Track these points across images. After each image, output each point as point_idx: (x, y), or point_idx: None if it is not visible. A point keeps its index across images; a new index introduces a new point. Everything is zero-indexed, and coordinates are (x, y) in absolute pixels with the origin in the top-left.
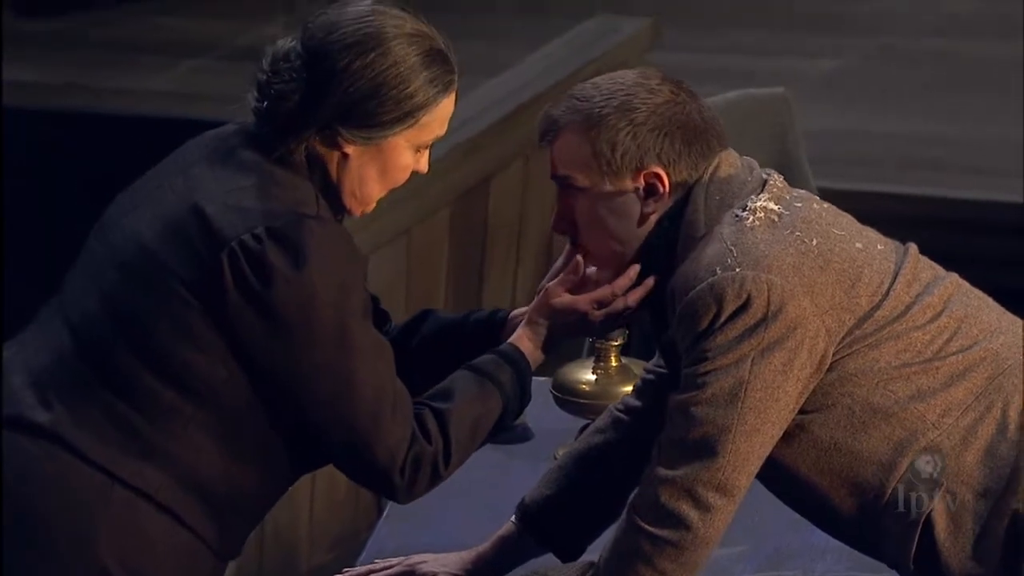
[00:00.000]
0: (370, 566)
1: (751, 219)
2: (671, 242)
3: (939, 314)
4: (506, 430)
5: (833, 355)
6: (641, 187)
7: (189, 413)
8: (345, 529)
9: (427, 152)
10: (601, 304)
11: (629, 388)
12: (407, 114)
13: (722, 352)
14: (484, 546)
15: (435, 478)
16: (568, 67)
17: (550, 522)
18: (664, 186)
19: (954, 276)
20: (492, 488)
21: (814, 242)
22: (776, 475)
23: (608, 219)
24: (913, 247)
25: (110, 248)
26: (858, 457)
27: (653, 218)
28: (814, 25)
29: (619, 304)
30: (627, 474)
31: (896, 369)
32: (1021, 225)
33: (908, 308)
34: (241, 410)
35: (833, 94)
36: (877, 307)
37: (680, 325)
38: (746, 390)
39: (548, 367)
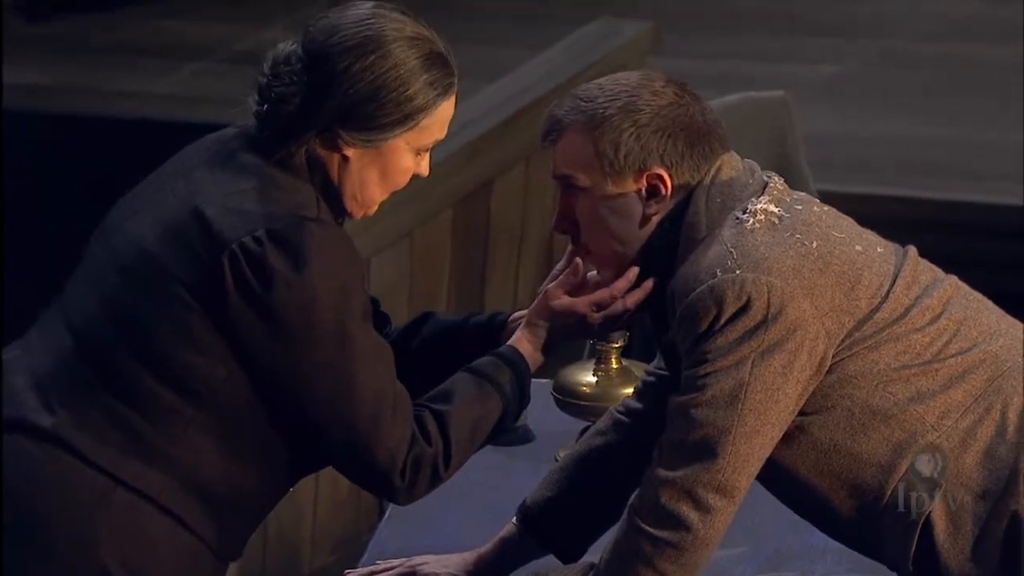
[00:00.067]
0: (372, 567)
1: (751, 221)
2: (672, 244)
3: (938, 316)
4: (506, 432)
5: (833, 357)
6: (643, 188)
7: (190, 415)
8: (347, 531)
9: (428, 155)
10: (600, 306)
11: (630, 390)
12: (407, 117)
13: (722, 354)
14: (485, 547)
15: (435, 480)
16: (569, 71)
17: (551, 523)
18: (666, 188)
19: (953, 279)
20: (493, 490)
21: (814, 245)
22: (776, 476)
23: (610, 219)
24: (913, 250)
25: (111, 252)
26: (857, 459)
27: (655, 219)
28: (814, 30)
29: (618, 306)
30: (628, 476)
31: (895, 371)
32: (1021, 228)
33: (907, 310)
34: (241, 411)
35: (833, 98)
36: (876, 309)
37: (680, 327)
38: (746, 392)
39: (549, 369)
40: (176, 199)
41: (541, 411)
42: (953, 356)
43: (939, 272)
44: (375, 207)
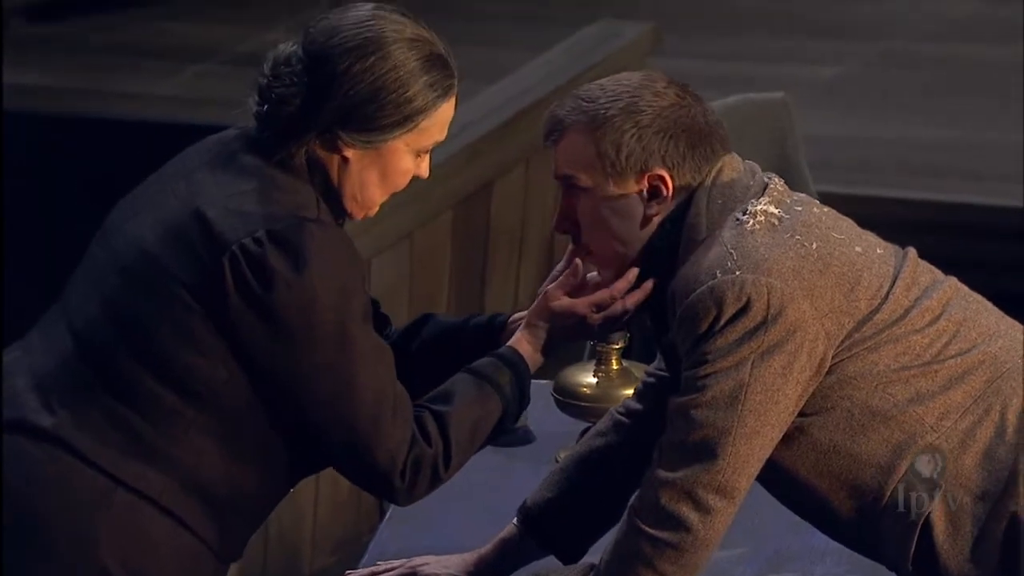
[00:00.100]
0: (372, 568)
1: (751, 223)
2: (673, 245)
3: (938, 318)
4: (505, 433)
5: (832, 358)
6: (645, 189)
7: (191, 416)
8: (348, 532)
9: (428, 157)
10: (600, 307)
11: (630, 391)
12: (406, 118)
13: (722, 355)
14: (486, 548)
15: (435, 480)
16: (569, 72)
17: (551, 524)
18: (667, 189)
19: (953, 280)
20: (494, 491)
21: (814, 246)
22: (776, 477)
23: (611, 220)
24: (912, 251)
25: (112, 254)
26: (857, 459)
27: (656, 220)
28: (814, 31)
29: (617, 307)
30: (628, 477)
31: (895, 372)
32: (1021, 229)
33: (907, 312)
34: (242, 412)
35: (834, 100)
36: (876, 311)
37: (680, 328)
38: (746, 393)
39: (549, 370)
40: (177, 200)
41: (541, 412)
42: (952, 357)
43: (939, 273)
44: (376, 208)
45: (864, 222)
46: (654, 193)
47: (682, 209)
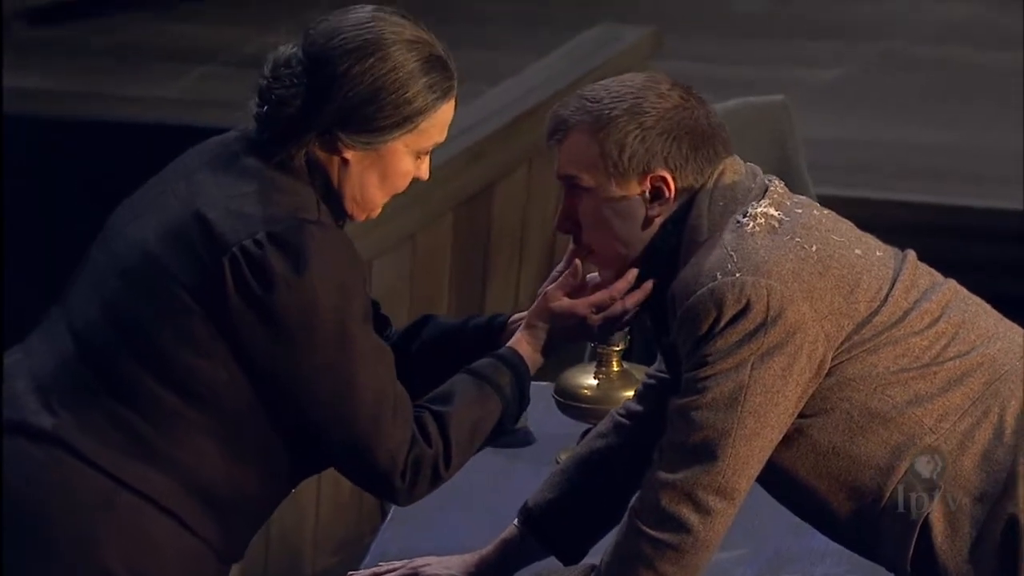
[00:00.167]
0: (374, 569)
1: (751, 225)
2: (674, 246)
3: (937, 320)
4: (505, 434)
5: (832, 360)
6: (647, 190)
7: (192, 417)
8: (349, 532)
9: (427, 158)
10: (600, 308)
11: (631, 393)
12: (406, 119)
13: (722, 356)
14: (487, 549)
15: (435, 480)
16: (570, 75)
17: (552, 525)
18: (670, 190)
19: (952, 282)
20: (495, 492)
21: (813, 248)
22: (775, 479)
23: (613, 220)
24: (912, 254)
25: (113, 256)
26: (856, 461)
27: (658, 221)
28: (814, 33)
29: (617, 308)
30: (629, 478)
31: (894, 374)
32: (1021, 232)
33: (906, 314)
34: (242, 413)
35: (833, 102)
36: (875, 313)
37: (681, 329)
38: (746, 394)
39: (550, 372)
40: (178, 202)
41: (542, 414)
42: (951, 359)
43: (938, 276)
44: (377, 210)
45: (864, 224)
46: (656, 194)
47: (684, 211)
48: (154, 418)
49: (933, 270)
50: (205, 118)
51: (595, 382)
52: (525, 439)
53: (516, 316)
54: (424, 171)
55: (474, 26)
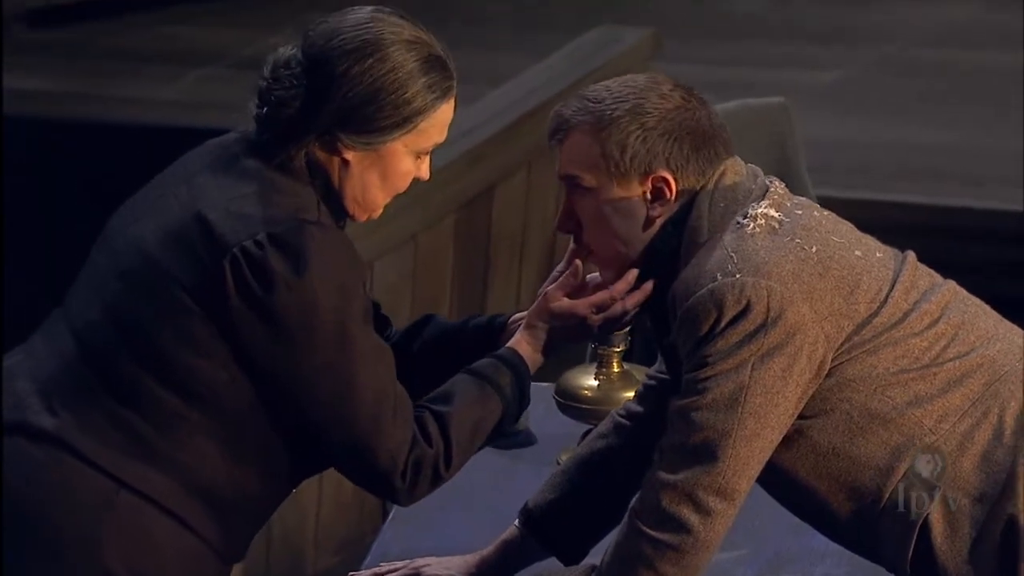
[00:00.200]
0: (375, 569)
1: (752, 226)
2: (674, 247)
3: (936, 321)
4: (505, 435)
5: (832, 361)
6: (648, 191)
7: (194, 418)
8: (351, 532)
9: (428, 158)
10: (600, 308)
11: (631, 394)
12: (405, 119)
13: (722, 357)
14: (488, 550)
15: (436, 480)
16: (570, 77)
17: (553, 526)
18: (671, 191)
19: (951, 283)
20: (496, 492)
21: (813, 249)
22: (776, 479)
23: (614, 220)
24: (911, 255)
25: (113, 257)
26: (856, 462)
27: (658, 222)
28: (814, 36)
29: (617, 308)
30: (629, 479)
31: (894, 375)
32: (1020, 234)
33: (906, 315)
34: (243, 413)
35: (833, 104)
36: (875, 314)
37: (681, 330)
38: (746, 395)
39: (551, 373)
40: (178, 204)
41: (543, 414)
42: (951, 360)
43: (937, 277)
44: (379, 211)
45: (863, 226)
46: (657, 195)
47: (684, 211)
48: (155, 418)
49: (933, 271)
50: (204, 120)
51: (596, 383)
52: (526, 440)
53: (516, 316)
54: (425, 171)
55: (474, 28)
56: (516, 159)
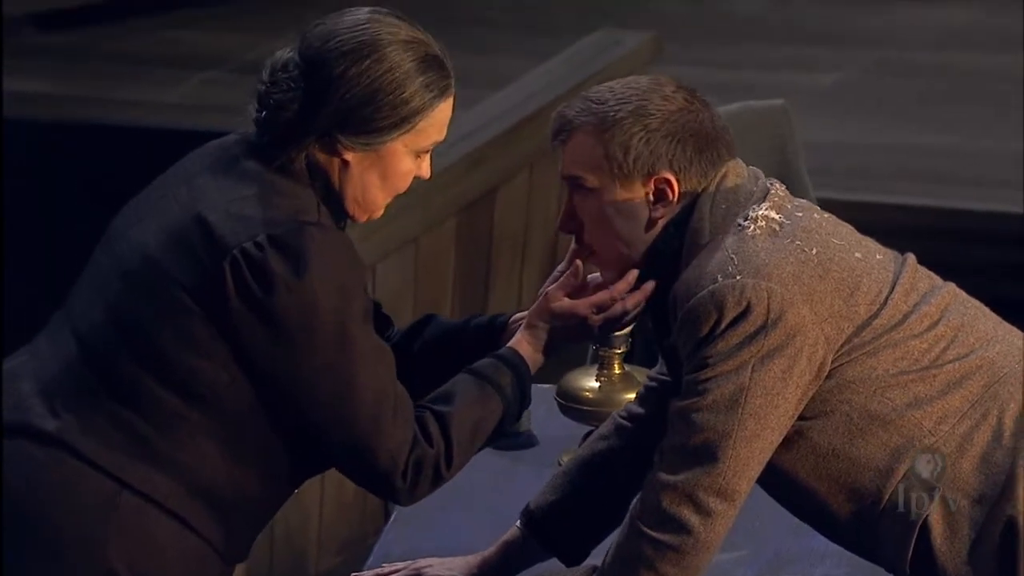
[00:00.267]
0: (377, 570)
1: (752, 228)
2: (676, 248)
3: (936, 323)
4: (507, 435)
5: (832, 362)
6: (651, 192)
7: (194, 419)
8: (353, 533)
9: (428, 157)
10: (600, 308)
11: (632, 395)
12: (404, 119)
13: (723, 359)
14: (489, 551)
15: (437, 480)
16: (570, 81)
17: (554, 527)
18: (673, 192)
19: (951, 286)
20: (497, 494)
21: (814, 251)
22: (776, 480)
23: (616, 221)
24: (911, 257)
25: (115, 259)
26: (856, 463)
27: (660, 223)
28: (814, 38)
29: (618, 308)
30: (630, 480)
31: (893, 377)
32: (1021, 235)
33: (906, 317)
34: (244, 414)
35: (833, 107)
36: (875, 316)
37: (681, 331)
38: (746, 396)
39: (552, 374)
40: (179, 206)
41: (544, 416)
42: (950, 362)
43: (937, 279)
44: (380, 211)
45: (863, 228)
46: (660, 196)
47: (686, 213)
48: (155, 419)
49: (932, 273)
50: (207, 123)
51: (597, 384)
52: (528, 441)
53: (517, 316)
54: (425, 170)
55: (474, 31)
56: (517, 162)
